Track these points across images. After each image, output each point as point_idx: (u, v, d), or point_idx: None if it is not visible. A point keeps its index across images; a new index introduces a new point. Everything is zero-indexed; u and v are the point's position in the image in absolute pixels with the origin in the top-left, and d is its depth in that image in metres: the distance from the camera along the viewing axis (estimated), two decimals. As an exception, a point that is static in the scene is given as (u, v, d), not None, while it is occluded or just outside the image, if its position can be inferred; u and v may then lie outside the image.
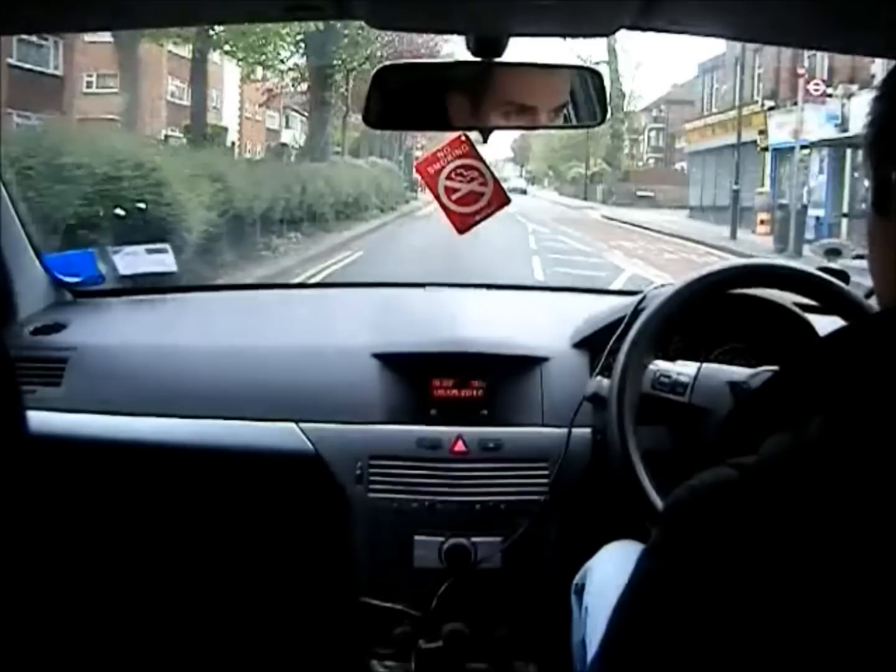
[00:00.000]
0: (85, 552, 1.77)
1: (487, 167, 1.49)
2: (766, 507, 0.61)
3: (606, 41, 27.60)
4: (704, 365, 1.59)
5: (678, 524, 0.66)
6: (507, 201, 1.51)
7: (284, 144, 24.02)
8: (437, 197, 1.49)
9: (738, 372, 1.58)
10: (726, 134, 24.12)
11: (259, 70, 19.74)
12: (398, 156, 32.25)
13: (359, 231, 16.83)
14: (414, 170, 30.67)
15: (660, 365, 1.59)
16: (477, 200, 1.50)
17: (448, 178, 1.49)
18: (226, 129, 22.98)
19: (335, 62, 19.48)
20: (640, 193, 36.71)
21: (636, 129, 49.53)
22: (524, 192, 44.68)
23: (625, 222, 24.22)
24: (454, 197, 1.49)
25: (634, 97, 49.48)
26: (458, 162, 1.48)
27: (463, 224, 1.50)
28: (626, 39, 36.70)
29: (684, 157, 37.70)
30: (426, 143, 35.11)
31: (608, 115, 1.43)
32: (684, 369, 1.58)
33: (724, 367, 1.61)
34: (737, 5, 1.13)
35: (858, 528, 0.58)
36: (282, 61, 19.16)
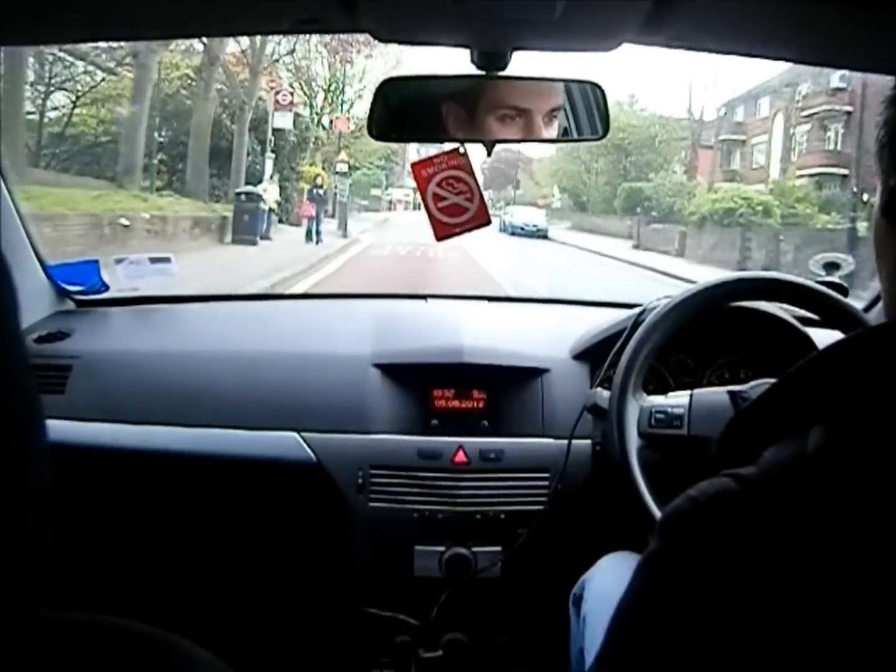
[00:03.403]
0: (86, 559, 1.78)
1: (477, 185, 1.50)
2: (766, 518, 0.61)
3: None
4: (696, 392, 1.59)
5: (677, 534, 0.66)
6: (488, 222, 1.52)
7: None
8: (424, 201, 1.50)
9: (731, 387, 1.58)
10: None
11: None
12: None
13: None
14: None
15: (653, 401, 1.59)
16: (461, 214, 1.51)
17: (438, 185, 1.50)
18: None
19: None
20: None
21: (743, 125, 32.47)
22: (544, 234, 28.99)
23: None
24: (440, 205, 1.50)
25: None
26: (451, 172, 1.49)
27: (442, 232, 1.52)
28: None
29: None
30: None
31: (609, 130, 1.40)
32: (677, 401, 1.58)
33: (716, 389, 1.61)
34: (741, 22, 1.14)
35: (859, 539, 0.58)
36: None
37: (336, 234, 21.14)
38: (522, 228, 28.85)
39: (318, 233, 18.97)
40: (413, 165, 1.52)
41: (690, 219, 24.07)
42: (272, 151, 20.54)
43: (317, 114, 29.47)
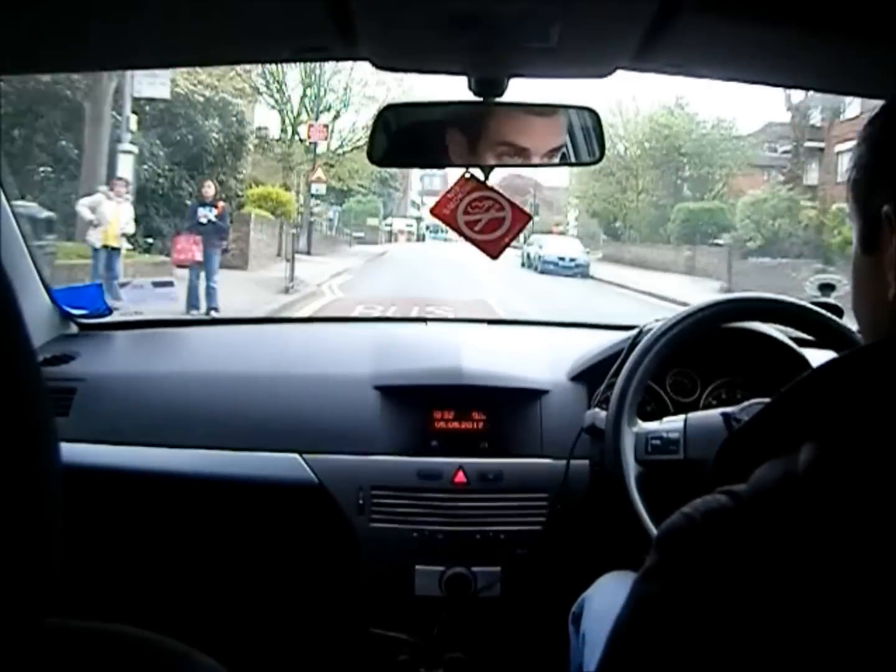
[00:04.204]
0: (92, 580, 1.78)
1: (499, 193, 1.51)
2: (758, 533, 0.62)
3: None
4: (690, 415, 1.59)
5: (673, 549, 0.67)
6: (529, 217, 1.52)
7: None
8: (461, 233, 1.51)
9: (724, 409, 1.57)
10: None
11: None
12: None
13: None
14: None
15: (649, 427, 1.59)
16: (500, 225, 1.51)
17: (465, 213, 1.50)
18: None
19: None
20: None
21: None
22: (585, 272, 22.46)
23: None
24: (477, 228, 1.51)
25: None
26: (471, 196, 1.50)
27: (494, 249, 1.52)
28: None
29: None
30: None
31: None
32: (672, 425, 1.58)
33: (710, 412, 1.61)
34: (735, 49, 1.16)
35: (849, 552, 0.59)
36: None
37: (278, 285, 13.37)
38: (556, 264, 22.52)
39: (209, 292, 10.73)
40: (433, 211, 1.53)
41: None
42: (132, 143, 12.59)
43: (291, 124, 24.48)
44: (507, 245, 1.52)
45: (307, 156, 23.37)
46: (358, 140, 23.82)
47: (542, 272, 22.52)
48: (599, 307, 14.32)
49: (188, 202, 12.92)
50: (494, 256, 1.53)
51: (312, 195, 21.50)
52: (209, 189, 11.44)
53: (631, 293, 17.89)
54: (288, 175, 23.55)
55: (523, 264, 25.09)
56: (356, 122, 25.62)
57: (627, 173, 30.32)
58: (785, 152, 29.02)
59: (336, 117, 25.68)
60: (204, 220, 11.04)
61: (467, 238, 1.51)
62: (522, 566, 1.70)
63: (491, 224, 1.51)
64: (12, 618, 0.50)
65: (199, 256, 10.78)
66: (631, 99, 30.32)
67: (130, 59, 1.53)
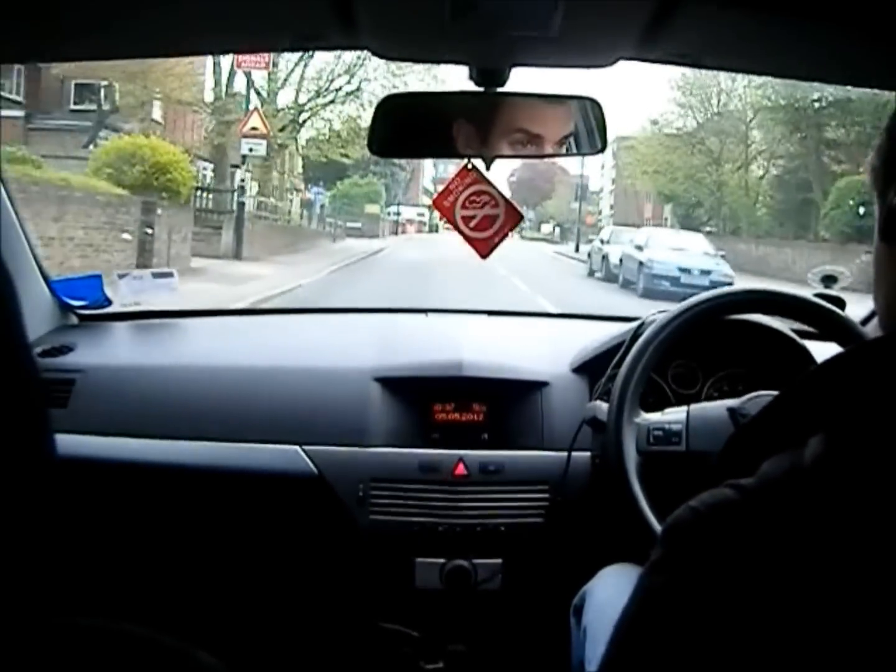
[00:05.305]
0: (93, 570, 1.78)
1: (496, 189, 1.51)
2: (765, 527, 0.62)
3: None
4: (692, 407, 1.59)
5: (679, 543, 0.67)
6: (521, 217, 1.53)
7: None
8: (457, 227, 1.51)
9: (728, 402, 1.57)
10: None
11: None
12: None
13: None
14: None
15: (650, 418, 1.58)
16: (493, 223, 1.52)
17: (463, 206, 1.51)
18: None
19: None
20: None
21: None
22: (706, 274, 13.52)
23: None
24: (471, 224, 1.51)
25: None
26: (470, 190, 1.50)
27: (484, 248, 1.52)
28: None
29: None
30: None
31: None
32: (674, 417, 1.57)
33: (713, 403, 1.61)
34: (737, 39, 1.15)
35: (855, 546, 0.59)
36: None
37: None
38: (677, 280, 13.63)
39: None
40: (434, 202, 1.54)
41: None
42: None
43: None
44: (497, 245, 1.53)
45: (269, 107, 16.69)
46: (338, 90, 18.87)
47: (648, 295, 13.61)
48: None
49: None
50: (484, 256, 1.53)
51: (244, 155, 14.67)
52: None
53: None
54: (224, 134, 17.86)
55: (592, 273, 18.11)
56: (336, 66, 19.58)
57: (721, 138, 21.36)
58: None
59: (304, 58, 19.20)
60: None
61: (462, 234, 1.51)
62: (523, 558, 1.70)
63: (484, 221, 1.51)
64: (8, 608, 0.50)
65: None
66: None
67: (124, 48, 1.52)
